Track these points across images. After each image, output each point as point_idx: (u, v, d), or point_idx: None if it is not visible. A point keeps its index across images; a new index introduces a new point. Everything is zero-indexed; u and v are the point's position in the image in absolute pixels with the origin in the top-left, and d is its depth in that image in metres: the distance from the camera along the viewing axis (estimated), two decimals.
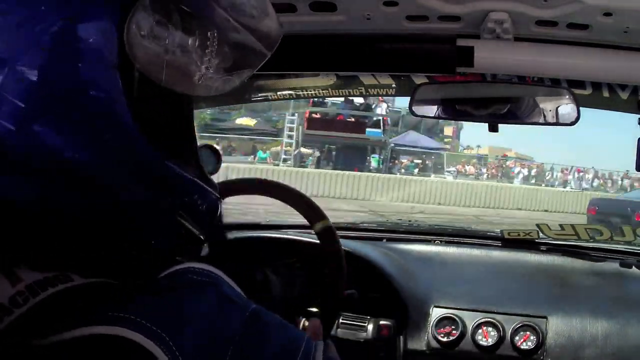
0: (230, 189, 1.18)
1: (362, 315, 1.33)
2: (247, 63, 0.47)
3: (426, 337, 1.30)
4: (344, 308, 1.28)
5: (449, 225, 2.36)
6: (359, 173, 13.33)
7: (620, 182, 15.97)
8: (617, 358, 1.21)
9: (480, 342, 1.26)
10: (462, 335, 1.27)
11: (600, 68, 1.13)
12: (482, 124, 1.27)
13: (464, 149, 18.39)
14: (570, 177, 16.08)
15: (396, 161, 15.61)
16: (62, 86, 0.39)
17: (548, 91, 1.29)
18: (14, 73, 0.38)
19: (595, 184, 15.94)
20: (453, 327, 1.29)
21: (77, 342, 0.37)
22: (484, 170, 16.06)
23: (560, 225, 1.67)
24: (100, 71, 0.40)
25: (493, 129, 1.25)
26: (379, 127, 15.55)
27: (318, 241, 1.16)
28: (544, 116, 1.26)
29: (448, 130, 17.88)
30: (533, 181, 15.86)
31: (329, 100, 13.52)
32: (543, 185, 15.52)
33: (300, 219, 1.26)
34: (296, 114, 14.54)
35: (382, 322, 1.31)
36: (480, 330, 1.27)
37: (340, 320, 1.33)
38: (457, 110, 1.32)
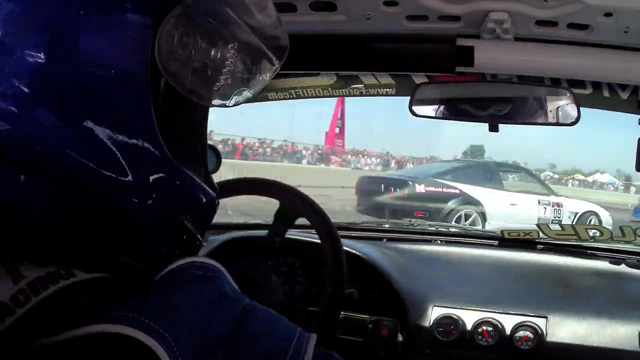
0: (230, 189, 1.18)
1: (362, 315, 1.33)
2: (262, 74, 0.49)
3: (426, 337, 1.29)
4: (344, 308, 1.28)
5: (449, 225, 2.36)
6: None
7: (408, 165, 17.96)
8: (617, 358, 1.21)
9: (480, 342, 1.26)
10: (462, 335, 1.27)
11: (600, 68, 1.13)
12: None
13: None
14: (369, 160, 19.39)
15: None
16: (94, 86, 0.40)
17: (548, 91, 1.29)
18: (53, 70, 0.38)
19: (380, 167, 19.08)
20: (453, 326, 1.29)
21: (81, 341, 0.37)
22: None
23: (560, 226, 1.67)
24: (133, 74, 0.41)
25: (493, 129, 1.25)
26: None
27: (318, 241, 1.16)
28: (544, 116, 1.26)
29: None
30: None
31: None
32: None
33: (300, 219, 1.26)
34: None
35: (382, 322, 1.31)
36: (480, 330, 1.27)
37: (340, 320, 1.33)
38: (457, 110, 1.32)
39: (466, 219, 7.29)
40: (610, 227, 1.68)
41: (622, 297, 1.37)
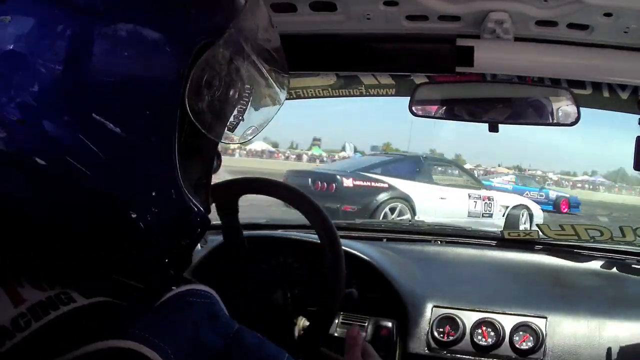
0: (231, 189, 1.18)
1: (361, 315, 1.33)
2: (270, 112, 0.53)
3: (425, 337, 1.29)
4: (344, 308, 1.28)
5: (449, 225, 2.36)
6: None
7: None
8: (617, 358, 1.21)
9: (480, 342, 1.26)
10: (462, 335, 1.27)
11: (600, 68, 1.12)
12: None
13: None
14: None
15: None
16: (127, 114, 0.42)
17: (548, 91, 1.29)
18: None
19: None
20: (452, 327, 1.29)
21: (90, 357, 0.38)
22: None
23: (560, 226, 1.67)
24: (166, 110, 0.44)
25: (493, 129, 1.25)
26: None
27: (318, 241, 1.16)
28: (544, 116, 1.26)
29: None
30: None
31: None
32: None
33: (301, 219, 1.26)
34: None
35: (381, 322, 1.31)
36: (479, 330, 1.27)
37: (340, 320, 1.33)
38: (456, 110, 1.32)
39: (395, 213, 7.21)
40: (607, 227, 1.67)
41: (622, 297, 1.37)
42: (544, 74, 1.22)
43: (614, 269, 1.50)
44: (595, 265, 1.52)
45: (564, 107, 1.22)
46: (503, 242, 1.68)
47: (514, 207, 8.24)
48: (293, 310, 1.09)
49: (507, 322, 1.27)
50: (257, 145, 22.19)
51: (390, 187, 7.39)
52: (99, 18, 0.40)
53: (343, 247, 1.07)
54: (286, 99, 0.54)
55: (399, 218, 7.05)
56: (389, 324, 1.30)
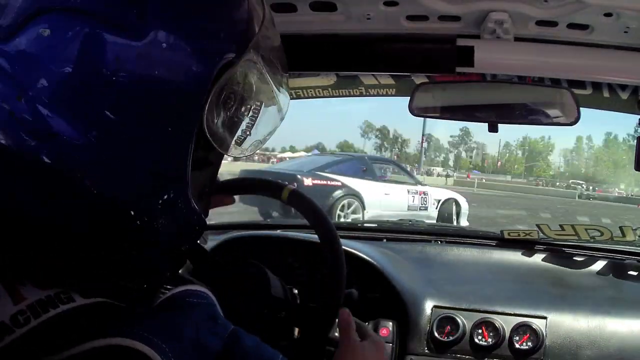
0: (232, 188, 1.18)
1: (362, 315, 1.32)
2: (274, 126, 0.55)
3: (426, 337, 1.29)
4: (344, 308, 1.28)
5: (449, 225, 2.36)
6: None
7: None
8: (617, 359, 1.21)
9: (480, 343, 1.26)
10: (462, 335, 1.27)
11: (600, 68, 1.12)
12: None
13: None
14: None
15: None
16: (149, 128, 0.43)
17: (548, 91, 1.29)
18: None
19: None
20: (452, 327, 1.29)
21: (88, 354, 0.39)
22: None
23: (560, 226, 1.67)
24: (186, 123, 0.45)
25: (493, 128, 1.25)
26: None
27: (318, 241, 1.16)
28: (544, 116, 1.26)
29: None
30: None
31: None
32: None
33: (301, 218, 1.26)
34: None
35: (381, 322, 1.31)
36: (479, 331, 1.27)
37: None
38: (457, 110, 1.32)
39: (348, 208, 8.14)
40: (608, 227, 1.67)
41: (622, 297, 1.37)
42: (544, 74, 1.22)
43: (614, 269, 1.50)
44: (595, 265, 1.52)
45: (563, 107, 1.22)
46: (503, 242, 1.68)
47: (446, 200, 9.48)
48: (292, 309, 1.09)
49: (507, 322, 1.27)
50: None
51: (343, 185, 8.25)
52: (129, 30, 0.41)
53: (343, 247, 1.07)
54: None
55: (353, 215, 8.04)
56: (389, 324, 1.30)
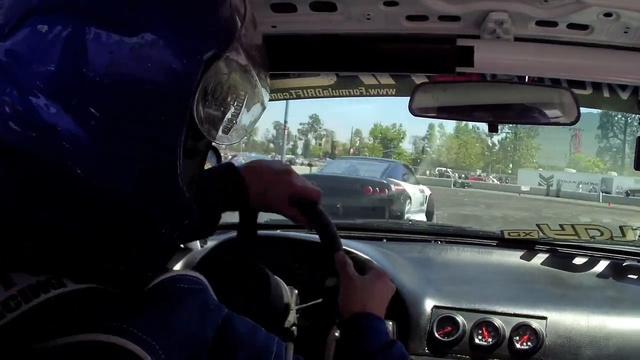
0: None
1: None
2: (257, 114, 0.57)
3: (426, 337, 1.29)
4: None
5: (449, 225, 2.36)
6: None
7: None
8: (616, 359, 1.21)
9: (480, 343, 1.26)
10: (462, 335, 1.27)
11: (600, 68, 1.12)
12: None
13: None
14: None
15: None
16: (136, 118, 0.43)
17: (548, 91, 1.29)
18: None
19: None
20: (453, 327, 1.29)
21: (72, 348, 0.39)
22: None
23: (560, 226, 1.67)
24: (179, 116, 0.46)
25: (493, 128, 1.25)
26: None
27: (318, 241, 1.16)
28: (544, 116, 1.26)
29: None
30: None
31: None
32: None
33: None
34: None
35: None
36: (479, 331, 1.27)
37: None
38: (457, 110, 1.32)
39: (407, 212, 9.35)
40: (608, 227, 1.67)
41: (622, 297, 1.37)
42: (544, 74, 1.22)
43: (614, 270, 1.50)
44: (595, 265, 1.52)
45: (563, 107, 1.22)
46: (503, 242, 1.68)
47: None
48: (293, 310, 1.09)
49: (507, 322, 1.27)
50: None
51: (404, 189, 9.65)
52: (121, 26, 0.42)
53: (344, 247, 1.07)
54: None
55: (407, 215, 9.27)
56: (389, 324, 1.30)
